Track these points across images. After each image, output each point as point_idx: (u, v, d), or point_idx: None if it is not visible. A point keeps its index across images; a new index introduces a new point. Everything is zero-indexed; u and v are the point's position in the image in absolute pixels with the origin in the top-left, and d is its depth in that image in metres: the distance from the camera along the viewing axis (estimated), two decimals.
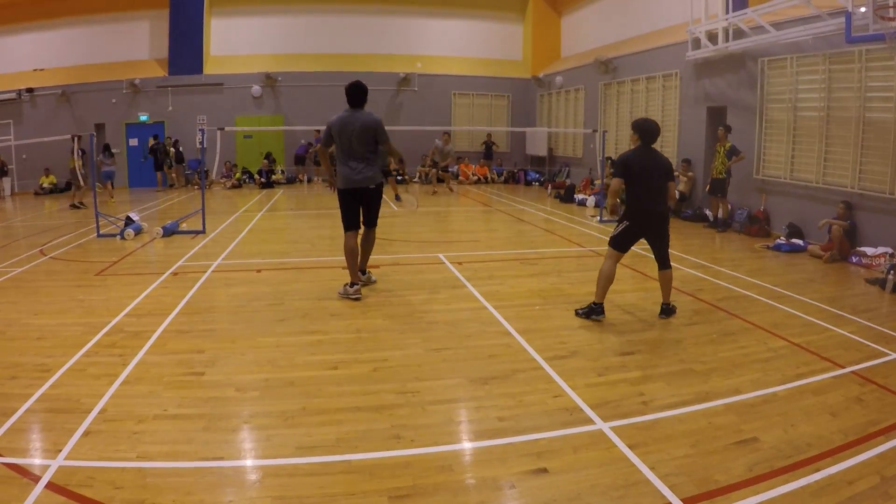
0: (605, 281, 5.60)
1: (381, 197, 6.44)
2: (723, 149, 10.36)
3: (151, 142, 18.18)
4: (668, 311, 5.76)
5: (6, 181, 17.70)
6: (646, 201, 5.58)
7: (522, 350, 4.81)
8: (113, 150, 16.54)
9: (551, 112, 19.85)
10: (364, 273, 6.78)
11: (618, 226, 5.73)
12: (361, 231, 6.51)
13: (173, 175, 18.47)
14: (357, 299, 6.20)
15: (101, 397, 3.89)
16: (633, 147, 5.70)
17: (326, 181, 6.55)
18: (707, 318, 5.69)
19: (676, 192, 12.13)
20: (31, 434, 3.50)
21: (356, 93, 6.25)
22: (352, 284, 6.28)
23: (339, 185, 6.29)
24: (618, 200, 5.87)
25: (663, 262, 5.79)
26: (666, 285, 5.80)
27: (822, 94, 9.32)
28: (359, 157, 6.16)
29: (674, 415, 3.72)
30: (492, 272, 7.41)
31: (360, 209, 6.37)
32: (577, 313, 5.73)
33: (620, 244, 5.70)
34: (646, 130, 5.60)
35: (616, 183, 5.61)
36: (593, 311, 5.60)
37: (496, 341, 5.02)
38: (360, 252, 6.47)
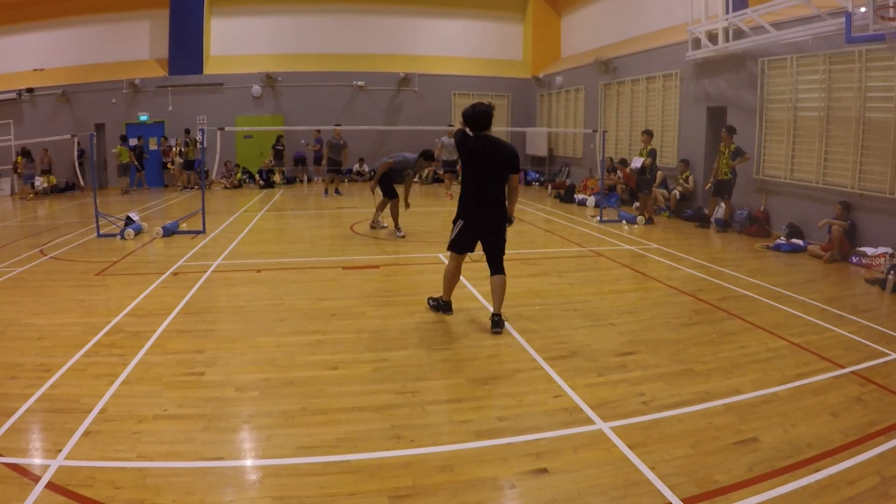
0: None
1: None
2: (727, 150, 10.34)
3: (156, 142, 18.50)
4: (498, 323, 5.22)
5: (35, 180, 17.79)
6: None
7: (522, 350, 4.81)
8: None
9: (551, 112, 19.84)
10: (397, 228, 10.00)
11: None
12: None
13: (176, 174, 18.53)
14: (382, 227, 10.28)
15: (101, 397, 3.89)
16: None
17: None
18: (707, 319, 5.69)
19: (677, 192, 12.37)
20: (31, 434, 3.50)
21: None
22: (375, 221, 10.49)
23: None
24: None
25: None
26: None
27: (822, 95, 9.32)
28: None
29: (674, 415, 3.72)
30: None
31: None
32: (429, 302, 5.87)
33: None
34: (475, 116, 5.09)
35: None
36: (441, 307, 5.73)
37: (496, 341, 5.01)
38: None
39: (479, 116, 5.07)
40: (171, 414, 3.71)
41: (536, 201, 15.24)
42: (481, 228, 5.23)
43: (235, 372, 4.39)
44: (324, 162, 16.77)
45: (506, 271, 5.29)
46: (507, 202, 5.22)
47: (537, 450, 3.30)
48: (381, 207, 10.30)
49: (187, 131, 18.13)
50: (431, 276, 7.24)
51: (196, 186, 17.90)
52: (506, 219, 5.24)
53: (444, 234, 10.51)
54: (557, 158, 19.34)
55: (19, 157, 17.17)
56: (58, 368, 4.37)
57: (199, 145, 18.06)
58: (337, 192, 16.17)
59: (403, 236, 9.71)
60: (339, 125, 16.13)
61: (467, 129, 5.16)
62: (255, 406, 3.85)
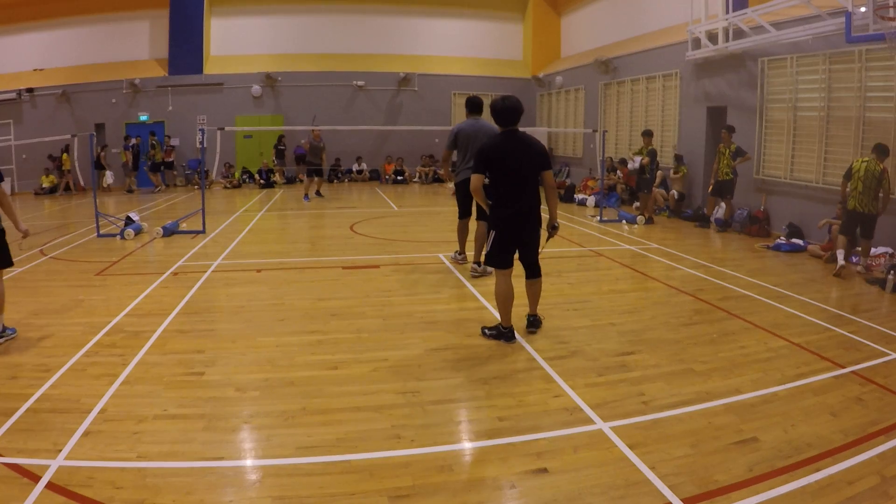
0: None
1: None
2: (728, 150, 10.34)
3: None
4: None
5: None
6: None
7: (522, 350, 4.81)
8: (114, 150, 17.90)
9: (551, 112, 19.84)
10: (479, 265, 7.26)
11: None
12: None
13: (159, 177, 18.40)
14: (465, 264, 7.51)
15: (101, 397, 3.89)
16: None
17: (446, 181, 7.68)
18: (707, 318, 5.69)
19: (675, 192, 12.36)
20: (31, 434, 3.49)
21: (477, 102, 7.16)
22: (459, 252, 7.75)
23: (458, 180, 7.22)
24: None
25: None
26: None
27: (822, 94, 9.32)
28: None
29: (674, 415, 3.72)
30: (492, 272, 7.41)
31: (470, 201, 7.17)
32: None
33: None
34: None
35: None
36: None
37: (496, 341, 5.01)
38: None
39: (508, 111, 4.69)
40: (171, 414, 3.71)
41: None
42: (517, 238, 4.81)
43: (235, 372, 4.39)
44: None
45: (513, 271, 4.97)
46: (549, 205, 4.82)
47: (537, 450, 3.30)
48: (477, 240, 7.09)
49: (152, 133, 17.97)
50: (431, 276, 7.24)
51: (169, 187, 17.91)
52: (539, 227, 4.81)
53: (444, 234, 10.55)
54: (557, 158, 19.33)
55: (65, 155, 17.29)
56: (58, 368, 4.37)
57: (189, 146, 18.17)
58: (318, 193, 15.49)
59: (480, 274, 7.15)
60: (316, 126, 15.65)
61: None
62: (255, 406, 3.85)
